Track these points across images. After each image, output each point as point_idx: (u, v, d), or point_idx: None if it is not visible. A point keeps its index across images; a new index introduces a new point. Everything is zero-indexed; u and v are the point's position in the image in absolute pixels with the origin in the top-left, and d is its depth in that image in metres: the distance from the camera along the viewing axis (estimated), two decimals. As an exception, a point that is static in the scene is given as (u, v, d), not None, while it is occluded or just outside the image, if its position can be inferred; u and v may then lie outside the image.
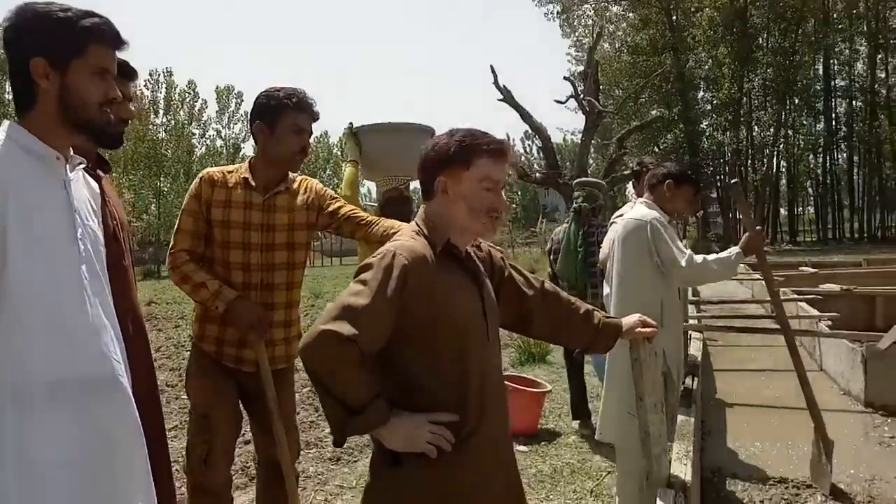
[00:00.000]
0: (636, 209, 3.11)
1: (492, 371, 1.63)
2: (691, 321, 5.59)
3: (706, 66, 36.49)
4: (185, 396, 5.57)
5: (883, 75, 37.29)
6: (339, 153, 51.19)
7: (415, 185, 3.12)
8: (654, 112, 34.88)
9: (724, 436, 4.20)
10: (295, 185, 2.47)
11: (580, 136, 19.71)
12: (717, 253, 3.05)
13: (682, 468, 2.42)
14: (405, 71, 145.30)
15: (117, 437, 1.45)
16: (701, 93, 38.81)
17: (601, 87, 22.74)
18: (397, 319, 1.47)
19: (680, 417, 3.07)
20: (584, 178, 5.73)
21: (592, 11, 39.42)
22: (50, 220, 1.40)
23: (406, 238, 1.59)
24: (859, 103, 38.61)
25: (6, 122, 1.45)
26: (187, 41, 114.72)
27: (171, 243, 2.35)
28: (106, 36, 1.47)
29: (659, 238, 2.88)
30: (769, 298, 8.45)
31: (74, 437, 1.36)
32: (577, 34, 40.90)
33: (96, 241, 1.53)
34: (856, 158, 39.93)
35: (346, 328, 1.37)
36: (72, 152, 1.51)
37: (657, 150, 35.53)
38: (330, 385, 1.41)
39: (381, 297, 1.43)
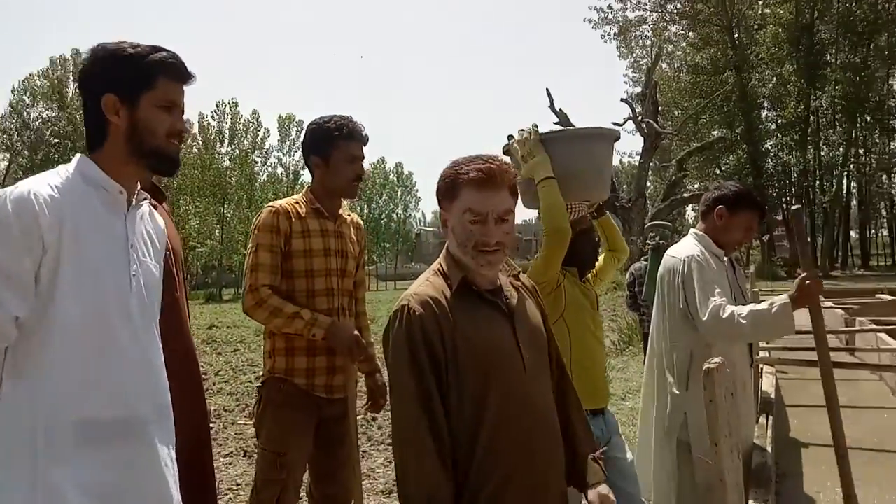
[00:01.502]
0: (680, 243, 2.76)
1: (535, 407, 1.54)
2: (762, 353, 5.29)
3: (770, 84, 35.41)
4: (242, 422, 5.67)
5: (964, 90, 35.30)
6: (394, 178, 51.93)
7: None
8: (715, 133, 34.03)
9: (801, 480, 3.91)
10: (347, 217, 2.55)
11: (638, 158, 19.35)
12: (784, 279, 2.66)
13: (760, 520, 2.24)
14: (456, 94, 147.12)
15: (147, 483, 1.39)
16: (765, 112, 37.65)
17: (660, 108, 22.38)
18: (435, 366, 1.46)
19: (756, 460, 2.87)
20: (655, 222, 6.77)
21: (651, 32, 38.96)
22: (103, 253, 1.39)
23: (421, 282, 1.57)
24: (938, 120, 36.63)
25: (78, 155, 1.48)
26: (253, 72, 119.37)
27: (250, 281, 2.32)
28: (174, 70, 1.48)
29: (689, 281, 2.48)
30: (845, 328, 7.99)
31: (102, 481, 1.31)
32: (634, 55, 40.49)
33: (151, 279, 1.51)
34: (935, 178, 37.78)
35: (426, 448, 1.41)
36: (139, 187, 1.51)
37: (719, 171, 34.58)
38: None
39: (420, 376, 1.44)
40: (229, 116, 40.75)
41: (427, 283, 1.54)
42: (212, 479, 2.01)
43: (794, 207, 2.95)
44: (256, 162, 41.70)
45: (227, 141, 40.46)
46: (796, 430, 4.92)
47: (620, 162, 49.02)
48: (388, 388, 1.57)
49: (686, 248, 2.61)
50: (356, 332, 2.36)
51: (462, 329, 1.47)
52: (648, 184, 26.73)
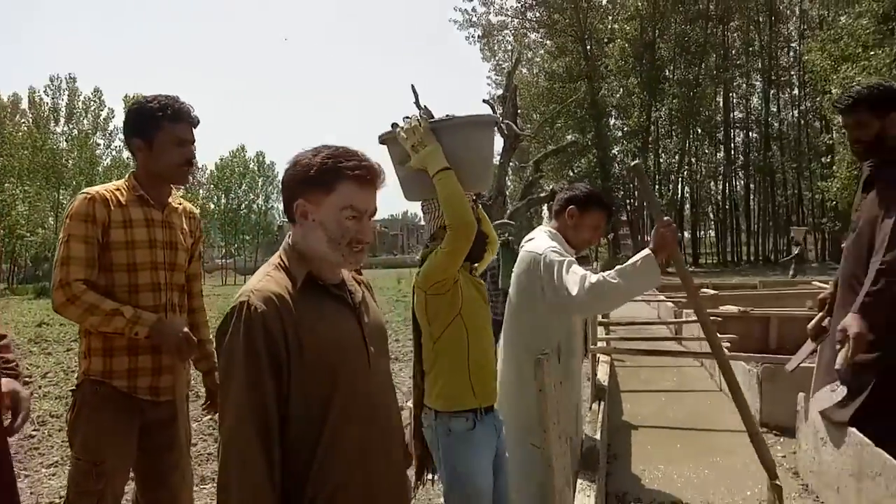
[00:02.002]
0: (537, 238, 2.77)
1: (377, 403, 1.53)
2: (599, 343, 5.69)
3: (618, 95, 38.27)
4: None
5: (775, 109, 40.30)
6: (255, 168, 49.93)
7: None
8: (569, 137, 36.12)
9: (630, 459, 4.25)
10: (178, 205, 2.39)
11: (498, 158, 20.04)
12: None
13: (586, 500, 2.40)
14: (322, 89, 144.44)
15: None
16: (613, 120, 40.61)
17: (519, 111, 23.27)
18: (275, 370, 1.37)
19: (587, 444, 3.07)
20: (500, 221, 7.39)
21: (512, 37, 40.57)
22: None
23: (261, 276, 1.47)
24: (755, 134, 41.63)
25: None
26: (95, 48, 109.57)
27: (60, 275, 2.10)
28: None
29: (551, 267, 2.50)
30: (674, 319, 8.78)
31: None
32: (497, 58, 42.01)
33: None
34: (752, 186, 42.84)
35: (252, 455, 1.33)
36: None
37: (572, 173, 36.79)
38: None
39: (257, 381, 1.35)
40: (66, 93, 37.10)
41: (268, 279, 1.44)
42: (14, 496, 1.81)
43: (633, 163, 3.04)
44: (99, 144, 38.34)
45: (63, 120, 36.80)
46: (628, 414, 5.35)
47: (483, 161, 50.42)
48: None
49: (543, 242, 2.66)
50: (186, 330, 2.21)
51: (309, 326, 1.41)
52: (508, 182, 27.79)
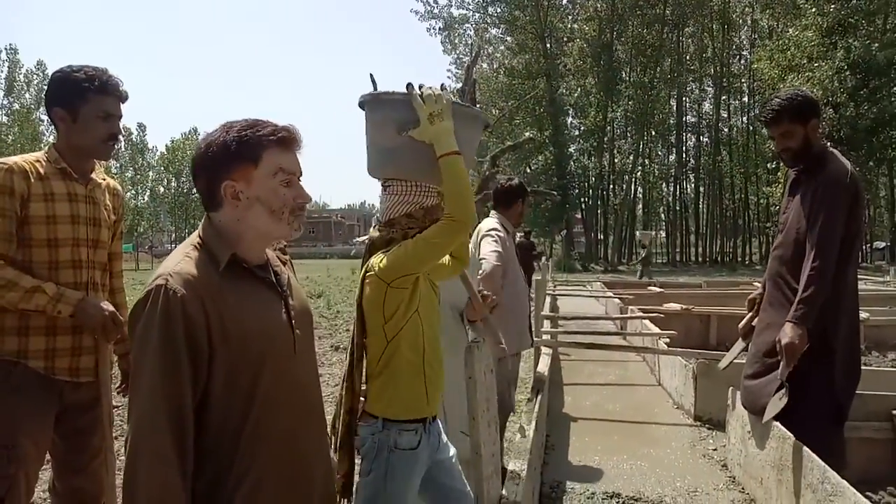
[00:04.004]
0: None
1: (301, 389, 1.48)
2: (544, 336, 5.76)
3: (575, 94, 38.74)
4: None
5: (726, 115, 41.45)
6: (208, 152, 48.64)
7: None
8: (527, 133, 36.41)
9: (567, 450, 4.31)
10: (102, 180, 2.31)
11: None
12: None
13: (515, 488, 2.42)
14: (280, 73, 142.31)
15: None
16: (570, 119, 41.12)
17: (478, 105, 23.33)
18: (193, 358, 1.30)
19: (518, 436, 3.10)
20: None
21: (473, 32, 40.59)
22: None
23: (179, 258, 1.38)
24: (706, 139, 42.78)
25: None
26: (39, 20, 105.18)
27: None
28: None
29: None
30: (619, 315, 8.97)
31: None
32: (458, 52, 41.97)
33: None
34: (702, 189, 44.03)
35: (164, 447, 1.25)
36: None
37: (529, 170, 37.12)
38: None
39: (173, 370, 1.27)
40: (6, 65, 35.50)
41: (187, 260, 1.36)
42: None
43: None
44: (42, 120, 36.77)
45: (2, 93, 35.23)
46: (569, 406, 5.43)
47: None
48: None
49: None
50: (112, 309, 2.14)
51: (234, 311, 1.34)
52: (465, 176, 27.81)
